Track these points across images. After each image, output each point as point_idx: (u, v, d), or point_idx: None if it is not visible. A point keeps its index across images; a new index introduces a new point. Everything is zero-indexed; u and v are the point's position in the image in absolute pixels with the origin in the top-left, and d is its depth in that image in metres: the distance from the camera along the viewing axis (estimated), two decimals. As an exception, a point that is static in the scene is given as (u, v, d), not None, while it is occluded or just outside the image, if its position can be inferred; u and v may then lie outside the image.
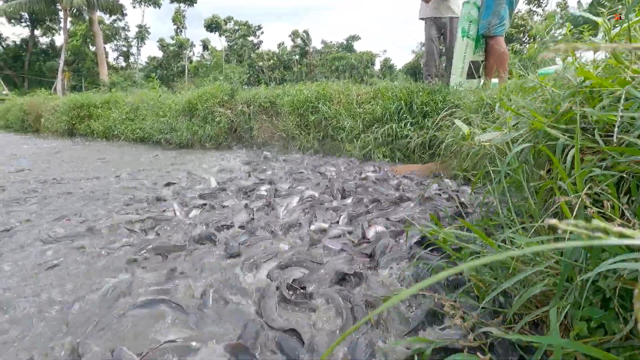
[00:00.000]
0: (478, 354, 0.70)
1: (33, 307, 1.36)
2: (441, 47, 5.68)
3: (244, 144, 6.67)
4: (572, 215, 0.76)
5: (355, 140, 5.12)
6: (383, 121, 4.98)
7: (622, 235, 0.18)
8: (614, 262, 0.54)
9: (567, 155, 1.00)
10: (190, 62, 38.80)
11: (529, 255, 0.93)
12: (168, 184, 3.60)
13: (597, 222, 0.20)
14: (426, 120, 4.65)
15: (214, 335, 1.14)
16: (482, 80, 4.62)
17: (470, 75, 4.76)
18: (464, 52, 4.71)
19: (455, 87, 4.71)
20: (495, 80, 4.36)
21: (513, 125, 1.41)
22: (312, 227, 2.06)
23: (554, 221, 0.21)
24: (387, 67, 36.53)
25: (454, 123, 3.95)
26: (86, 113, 9.67)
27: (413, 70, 28.38)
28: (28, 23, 31.86)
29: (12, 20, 30.28)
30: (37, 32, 33.99)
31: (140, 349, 1.07)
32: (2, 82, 24.44)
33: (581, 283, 0.77)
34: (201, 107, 6.81)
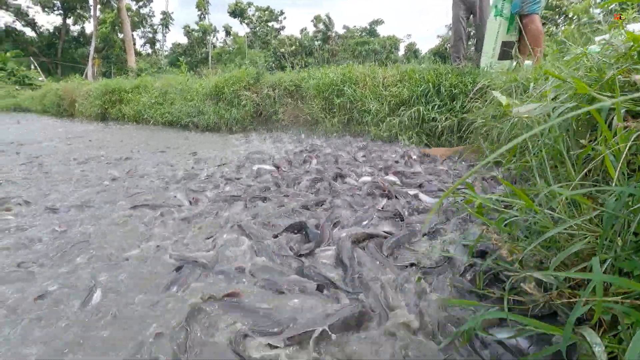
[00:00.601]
0: (522, 284, 0.74)
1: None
2: (469, 29, 5.50)
3: (270, 127, 6.76)
4: (615, 173, 0.78)
5: (380, 123, 5.10)
6: (410, 104, 4.92)
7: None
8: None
9: (611, 122, 1.00)
10: (214, 47, 39.12)
11: (567, 219, 0.95)
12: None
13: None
14: (455, 103, 4.57)
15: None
16: (515, 62, 4.47)
17: (502, 57, 4.61)
18: (496, 32, 4.55)
19: (486, 68, 4.58)
20: (528, 62, 4.20)
21: (553, 99, 1.40)
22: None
23: (638, 77, 0.25)
24: (412, 51, 35.53)
25: (484, 105, 3.88)
26: (117, 98, 10.03)
27: (439, 55, 27.50)
28: (61, 11, 32.95)
29: (46, 9, 31.40)
30: (68, 21, 35.14)
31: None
32: (39, 69, 25.53)
33: (622, 242, 0.79)
34: (228, 90, 6.93)
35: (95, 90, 10.67)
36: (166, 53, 38.92)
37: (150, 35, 40.51)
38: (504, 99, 1.36)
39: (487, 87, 3.97)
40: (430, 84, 4.78)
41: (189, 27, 38.69)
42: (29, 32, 34.84)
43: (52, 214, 2.20)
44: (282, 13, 41.62)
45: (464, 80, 4.56)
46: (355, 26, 40.70)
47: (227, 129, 7.00)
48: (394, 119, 4.95)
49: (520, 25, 4.54)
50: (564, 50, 2.19)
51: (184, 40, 39.03)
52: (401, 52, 36.37)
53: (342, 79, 5.68)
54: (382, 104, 5.19)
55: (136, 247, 1.68)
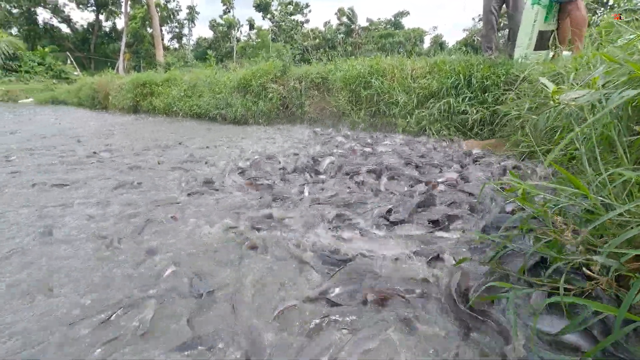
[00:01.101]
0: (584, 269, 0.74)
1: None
2: (499, 20, 5.32)
3: (296, 120, 6.81)
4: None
5: (409, 116, 5.04)
6: (439, 96, 4.84)
7: None
8: None
9: (671, 107, 0.97)
10: (238, 41, 39.54)
11: (620, 205, 0.93)
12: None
13: None
14: (486, 95, 4.46)
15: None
16: (552, 52, 4.30)
17: (539, 47, 4.44)
18: (533, 21, 4.38)
19: (520, 60, 4.43)
20: (567, 53, 4.02)
21: (603, 85, 1.35)
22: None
23: None
24: (438, 44, 34.63)
25: (518, 97, 3.77)
26: (148, 90, 10.37)
27: (470, 46, 26.62)
28: (94, 7, 34.23)
29: (80, 5, 32.69)
30: (101, 17, 36.46)
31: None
32: (74, 64, 26.66)
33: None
34: (255, 83, 7.03)
35: (128, 83, 11.07)
36: (191, 47, 39.69)
37: (177, 30, 41.43)
38: (551, 86, 1.33)
39: (523, 79, 3.85)
40: (460, 75, 4.68)
41: (215, 21, 39.31)
42: (65, 29, 36.43)
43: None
44: (307, 6, 41.49)
45: (497, 72, 4.44)
46: (379, 18, 40.07)
47: (254, 121, 7.11)
48: (422, 112, 4.88)
49: (559, 14, 4.35)
50: (612, 37, 2.10)
51: (208, 34, 39.67)
52: (426, 44, 35.54)
53: (369, 70, 5.64)
54: (411, 96, 5.12)
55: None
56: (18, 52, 25.56)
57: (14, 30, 33.11)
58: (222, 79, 7.99)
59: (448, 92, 4.75)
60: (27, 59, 26.60)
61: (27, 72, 26.11)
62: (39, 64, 27.17)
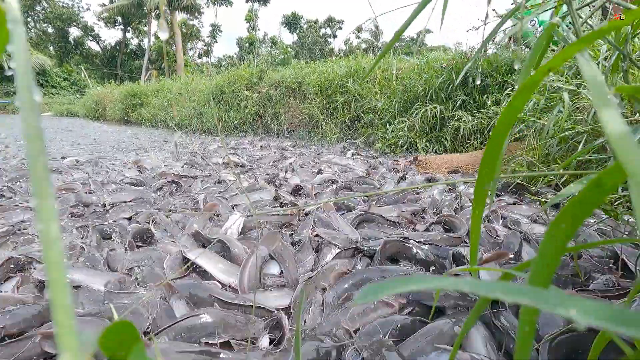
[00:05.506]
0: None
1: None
2: None
3: (270, 133, 5.89)
4: None
5: (388, 125, 3.99)
6: (424, 101, 3.78)
7: None
8: None
9: None
10: (258, 56, 39.78)
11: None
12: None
13: None
14: (486, 97, 3.36)
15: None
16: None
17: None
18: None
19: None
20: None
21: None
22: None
23: None
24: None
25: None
26: (138, 101, 9.89)
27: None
28: (121, 26, 35.61)
29: (108, 24, 34.14)
30: (128, 35, 37.87)
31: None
32: (87, 77, 27.42)
33: None
34: (228, 90, 6.22)
35: (119, 94, 10.69)
36: (212, 64, 40.46)
37: (200, 47, 42.48)
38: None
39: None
40: (453, 72, 3.61)
41: (241, 38, 39.98)
42: (94, 46, 38.12)
43: None
44: (342, 21, 41.83)
45: (499, 67, 3.35)
46: (403, 36, 39.52)
47: (226, 133, 6.26)
48: (404, 121, 3.82)
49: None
50: None
51: (234, 50, 40.33)
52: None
53: (347, 71, 4.68)
54: (392, 99, 4.08)
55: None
56: (46, 68, 26.59)
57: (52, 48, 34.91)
58: (200, 87, 7.27)
59: (436, 95, 3.69)
60: (54, 75, 27.70)
61: (53, 87, 27.11)
62: (65, 79, 28.23)
